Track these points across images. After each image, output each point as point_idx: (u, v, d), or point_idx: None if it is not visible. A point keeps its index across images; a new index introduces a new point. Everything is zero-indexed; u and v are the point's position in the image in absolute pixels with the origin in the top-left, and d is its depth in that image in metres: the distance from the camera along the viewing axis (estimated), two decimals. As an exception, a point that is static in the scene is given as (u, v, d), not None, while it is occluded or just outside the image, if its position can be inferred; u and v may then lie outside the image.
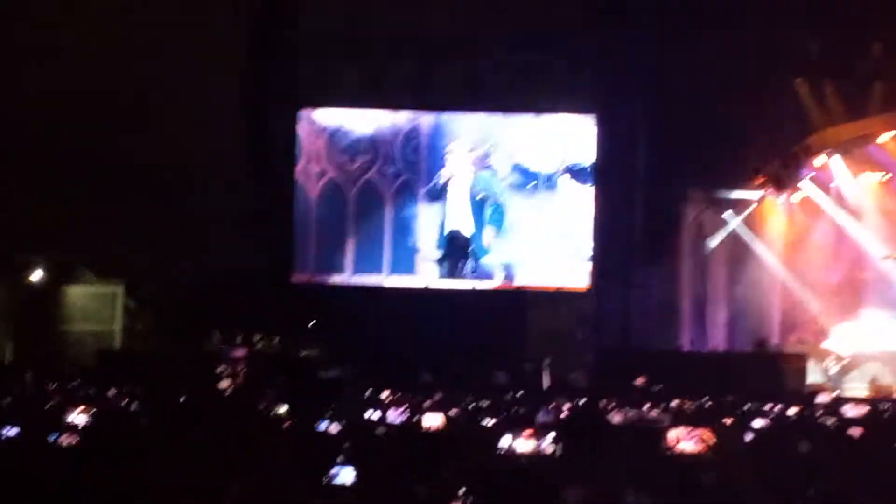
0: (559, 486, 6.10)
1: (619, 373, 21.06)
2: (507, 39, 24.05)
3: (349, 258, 25.85)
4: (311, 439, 9.11)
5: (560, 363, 22.86)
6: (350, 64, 24.81)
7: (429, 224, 25.95)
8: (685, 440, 7.20)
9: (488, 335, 23.16)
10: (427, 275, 25.83)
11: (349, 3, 24.24)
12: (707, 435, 7.26)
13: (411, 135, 26.12)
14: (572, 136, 25.62)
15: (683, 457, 6.98)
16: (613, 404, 13.86)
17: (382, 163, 26.10)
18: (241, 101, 24.39)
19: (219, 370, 20.72)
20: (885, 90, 23.18)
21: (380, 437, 9.72)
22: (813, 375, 24.21)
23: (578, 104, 24.88)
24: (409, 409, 12.94)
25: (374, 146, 26.10)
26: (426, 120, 26.04)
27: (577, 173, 25.46)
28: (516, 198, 25.82)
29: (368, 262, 25.83)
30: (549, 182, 25.64)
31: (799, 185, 25.56)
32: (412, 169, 26.09)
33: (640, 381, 19.83)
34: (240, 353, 21.94)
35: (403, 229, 25.97)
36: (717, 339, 26.01)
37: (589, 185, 25.34)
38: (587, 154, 25.39)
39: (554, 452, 8.24)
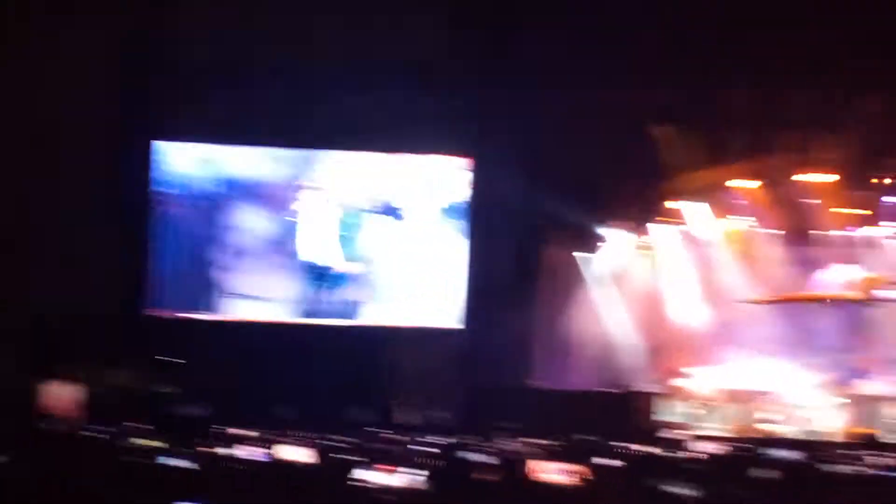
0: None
1: (485, 410, 21.09)
2: (386, 78, 23.83)
3: (205, 292, 25.23)
4: (161, 474, 8.80)
5: (427, 400, 22.76)
6: (217, 97, 24.23)
7: (291, 262, 25.45)
8: (555, 473, 7.14)
9: (354, 372, 22.93)
10: (291, 311, 25.37)
11: (224, 34, 23.67)
12: (576, 468, 7.23)
13: (276, 171, 25.63)
14: (447, 177, 25.58)
15: (551, 487, 6.93)
16: (479, 441, 13.81)
17: (244, 198, 25.54)
18: (96, 132, 23.60)
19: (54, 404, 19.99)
20: (742, 137, 23.81)
21: (235, 473, 9.46)
22: (672, 415, 24.64)
23: (453, 145, 24.91)
24: (266, 445, 12.67)
25: (235, 181, 25.53)
26: (294, 156, 25.61)
27: (450, 213, 25.43)
28: (385, 236, 25.57)
29: (225, 296, 25.24)
30: (422, 222, 25.50)
31: (657, 228, 26.14)
32: (276, 205, 25.56)
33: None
34: (80, 388, 21.15)
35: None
36: (575, 379, 26.24)
37: (462, 225, 25.28)
38: (461, 195, 25.34)
39: (418, 489, 8.10)
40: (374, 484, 8.41)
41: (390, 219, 25.49)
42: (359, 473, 8.77)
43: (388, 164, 25.74)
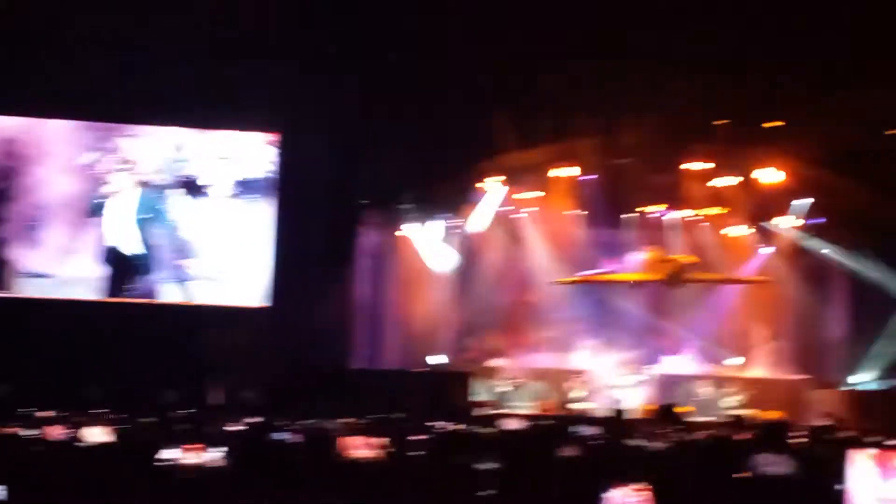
0: (230, 500, 5.89)
1: (295, 390, 20.90)
2: (196, 52, 23.11)
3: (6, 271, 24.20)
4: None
5: (235, 380, 22.38)
6: (21, 68, 23.13)
7: (92, 241, 24.53)
8: (360, 448, 7.15)
9: (161, 352, 22.24)
10: (95, 290, 24.51)
11: (25, 4, 22.51)
12: (382, 443, 7.26)
13: (80, 145, 24.68)
14: (254, 152, 25.03)
15: (359, 463, 6.94)
16: (288, 420, 13.69)
17: (48, 175, 24.52)
18: None
19: None
20: (554, 121, 24.24)
21: (36, 455, 9.14)
22: (483, 394, 25.03)
23: (262, 121, 24.43)
24: (71, 426, 12.28)
25: (43, 157, 24.49)
26: (97, 130, 24.68)
27: (257, 190, 24.88)
28: (190, 213, 24.75)
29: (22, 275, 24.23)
30: (228, 198, 24.91)
31: (470, 209, 26.44)
32: (79, 181, 24.56)
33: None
34: None
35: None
36: (391, 358, 26.34)
37: (270, 202, 24.79)
38: (270, 171, 24.85)
39: (223, 467, 7.99)
40: (179, 463, 8.26)
41: (195, 196, 24.70)
42: (164, 453, 8.58)
43: (193, 140, 24.98)
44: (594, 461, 9.92)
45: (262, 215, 24.71)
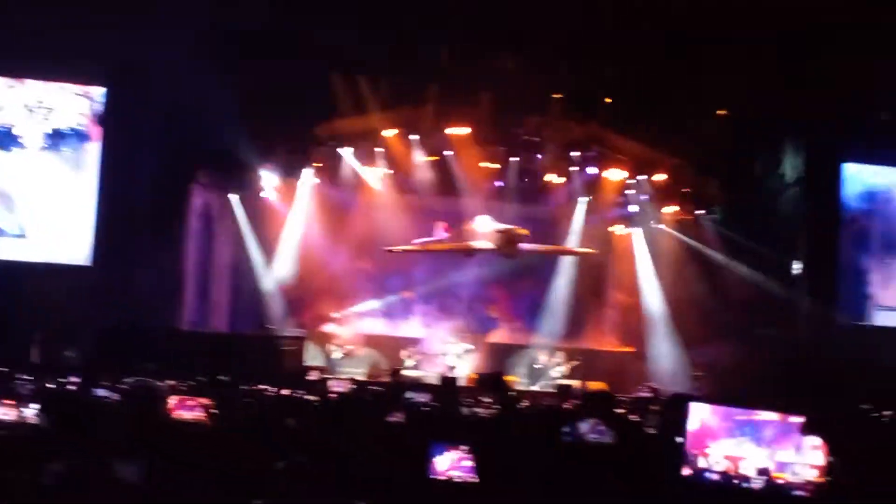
0: (42, 460, 5.63)
1: (118, 349, 20.32)
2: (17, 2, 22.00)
3: None
4: None
5: (56, 338, 21.58)
6: None
7: None
8: (184, 409, 6.96)
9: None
10: None
11: None
12: (206, 404, 7.09)
13: None
14: (73, 103, 23.92)
15: (183, 424, 6.76)
16: (109, 379, 13.28)
17: None
18: None
19: None
20: (389, 87, 24.15)
21: None
22: (314, 359, 24.88)
23: (89, 72, 23.48)
24: None
25: None
26: None
27: (76, 143, 23.81)
28: (6, 166, 23.56)
29: None
30: (46, 151, 23.75)
31: (305, 172, 26.12)
32: None
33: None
34: None
35: None
36: (220, 321, 25.90)
37: (93, 157, 23.78)
38: (84, 124, 23.78)
39: (36, 424, 7.67)
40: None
41: (8, 147, 23.50)
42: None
43: (11, 90, 23.71)
44: (421, 427, 9.93)
45: (87, 171, 23.71)
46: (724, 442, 2.22)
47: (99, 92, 23.70)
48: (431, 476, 6.79)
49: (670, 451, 2.16)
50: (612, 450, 7.31)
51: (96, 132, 23.67)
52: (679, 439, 2.10)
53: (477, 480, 6.47)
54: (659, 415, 10.75)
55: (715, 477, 2.17)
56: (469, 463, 6.73)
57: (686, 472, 2.22)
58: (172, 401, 7.04)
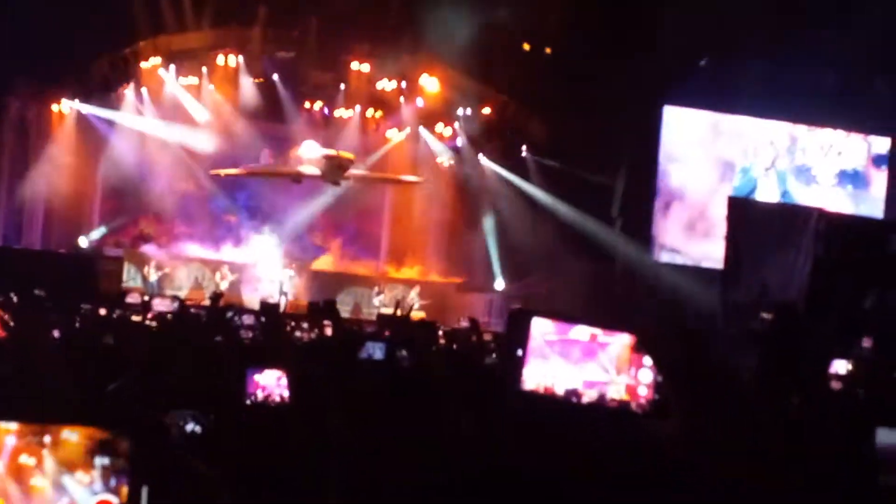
0: None
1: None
2: None
3: None
4: None
5: None
6: None
7: None
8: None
9: None
10: None
11: None
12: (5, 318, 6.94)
13: None
14: None
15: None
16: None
17: None
18: None
19: None
20: (219, 5, 23.71)
21: None
22: (133, 280, 24.41)
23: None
24: None
25: None
26: None
27: None
28: None
29: None
30: None
31: (128, 88, 25.41)
32: None
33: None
34: None
35: None
36: (33, 237, 25.13)
37: None
38: None
39: None
40: None
41: None
42: None
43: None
44: (242, 348, 9.99)
45: None
46: (535, 362, 2.35)
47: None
48: (247, 399, 6.89)
49: (510, 365, 2.26)
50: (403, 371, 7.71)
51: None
52: (519, 352, 2.20)
53: (289, 402, 6.60)
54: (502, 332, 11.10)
55: (554, 393, 2.30)
56: (280, 382, 6.87)
57: (525, 386, 2.35)
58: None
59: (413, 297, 25.82)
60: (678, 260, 24.91)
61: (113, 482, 2.35)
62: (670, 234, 25.20)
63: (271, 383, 7.05)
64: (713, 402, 2.57)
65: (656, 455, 2.53)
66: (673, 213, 25.22)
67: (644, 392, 2.58)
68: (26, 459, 2.34)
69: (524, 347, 2.59)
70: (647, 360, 2.60)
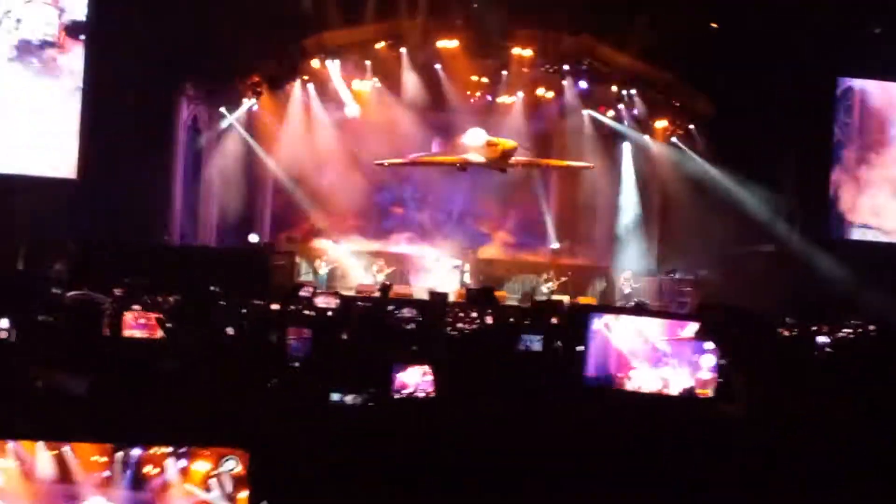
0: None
1: (105, 263, 20.21)
2: None
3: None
4: None
5: (42, 252, 21.44)
6: None
7: None
8: (136, 326, 6.90)
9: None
10: None
11: None
12: (159, 318, 7.02)
13: None
14: (50, 14, 22.96)
15: (136, 340, 6.72)
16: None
17: None
18: None
19: None
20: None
21: None
22: (307, 275, 24.87)
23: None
24: None
25: None
26: None
27: (46, 52, 23.06)
28: None
29: None
30: (18, 61, 22.98)
31: (295, 85, 25.84)
32: None
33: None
34: None
35: None
36: (208, 235, 25.82)
37: (77, 66, 23.08)
38: (66, 35, 23.09)
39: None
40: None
41: None
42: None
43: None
44: (416, 340, 10.02)
45: (59, 81, 23.05)
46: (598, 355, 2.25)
47: (73, 1, 23.08)
48: (394, 394, 6.86)
49: (572, 358, 2.18)
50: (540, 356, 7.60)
51: (69, 43, 23.08)
52: (580, 348, 2.12)
53: (434, 394, 6.51)
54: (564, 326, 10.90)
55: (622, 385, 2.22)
56: (429, 379, 6.80)
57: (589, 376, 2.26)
58: (126, 316, 6.94)
59: (556, 282, 25.52)
60: (869, 236, 24.12)
61: (232, 492, 2.33)
62: (859, 211, 24.40)
63: (415, 380, 7.00)
64: (777, 386, 2.41)
65: (722, 437, 2.38)
66: (859, 186, 24.43)
67: (707, 377, 2.44)
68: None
69: (586, 343, 2.47)
70: (710, 346, 2.46)
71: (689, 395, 2.22)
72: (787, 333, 13.92)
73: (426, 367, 6.83)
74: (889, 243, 24.63)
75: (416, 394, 6.66)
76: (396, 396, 6.86)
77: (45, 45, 22.87)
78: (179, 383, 5.41)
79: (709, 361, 2.22)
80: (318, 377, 6.87)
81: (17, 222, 21.81)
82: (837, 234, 24.72)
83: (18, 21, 22.73)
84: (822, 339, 12.02)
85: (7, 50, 22.53)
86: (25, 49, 22.72)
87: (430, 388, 6.73)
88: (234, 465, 2.33)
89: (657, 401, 2.25)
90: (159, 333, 6.89)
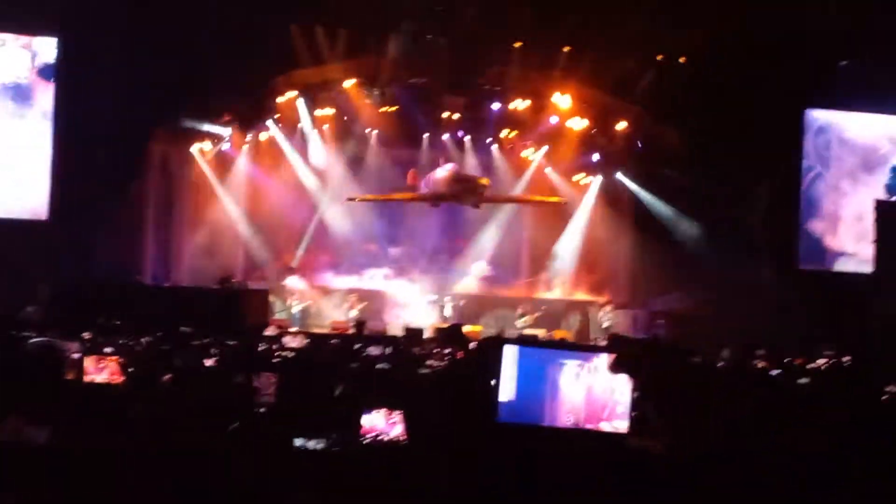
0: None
1: (77, 305, 20.11)
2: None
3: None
4: None
5: (13, 295, 21.32)
6: None
7: None
8: (96, 371, 6.88)
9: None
10: None
11: None
12: (120, 362, 7.00)
13: None
14: (23, 57, 23.24)
15: (95, 386, 6.69)
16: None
17: None
18: None
19: None
20: (350, 38, 24.02)
21: None
22: (281, 313, 24.79)
23: (41, 24, 23.03)
24: None
25: None
26: None
27: (27, 97, 23.18)
28: None
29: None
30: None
31: (265, 124, 25.92)
32: None
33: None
34: None
35: None
36: (181, 275, 25.75)
37: (45, 110, 23.10)
38: (26, 77, 23.17)
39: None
40: None
41: None
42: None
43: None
44: (386, 381, 9.96)
45: (30, 123, 23.07)
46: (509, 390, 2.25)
47: (47, 43, 23.19)
48: (362, 437, 6.81)
49: (484, 393, 2.18)
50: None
51: (41, 86, 23.17)
52: (493, 381, 2.11)
53: (403, 442, 6.47)
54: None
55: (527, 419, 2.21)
56: (395, 423, 6.76)
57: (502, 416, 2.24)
58: (87, 362, 6.92)
59: (531, 316, 25.52)
60: (850, 266, 24.36)
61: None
62: (839, 238, 24.63)
63: (381, 424, 6.92)
64: (697, 417, 2.43)
65: (644, 475, 2.38)
66: (838, 217, 24.70)
67: (622, 410, 2.47)
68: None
69: (497, 376, 2.48)
70: (624, 379, 2.48)
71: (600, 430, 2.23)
72: (760, 365, 14.03)
73: (393, 412, 6.76)
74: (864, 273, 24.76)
75: (381, 438, 6.60)
76: (364, 441, 6.78)
77: (18, 87, 22.91)
78: (142, 431, 5.40)
79: (623, 395, 2.23)
80: (284, 422, 6.82)
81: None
82: (814, 264, 24.90)
83: (21, 66, 22.77)
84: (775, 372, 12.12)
85: (12, 95, 22.58)
86: (13, 92, 22.76)
87: (398, 434, 6.68)
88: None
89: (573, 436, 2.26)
90: (121, 378, 6.87)
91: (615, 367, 2.36)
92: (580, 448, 2.34)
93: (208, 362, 10.09)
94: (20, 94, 23.02)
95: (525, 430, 2.35)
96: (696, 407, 2.18)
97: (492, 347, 2.37)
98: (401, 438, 6.79)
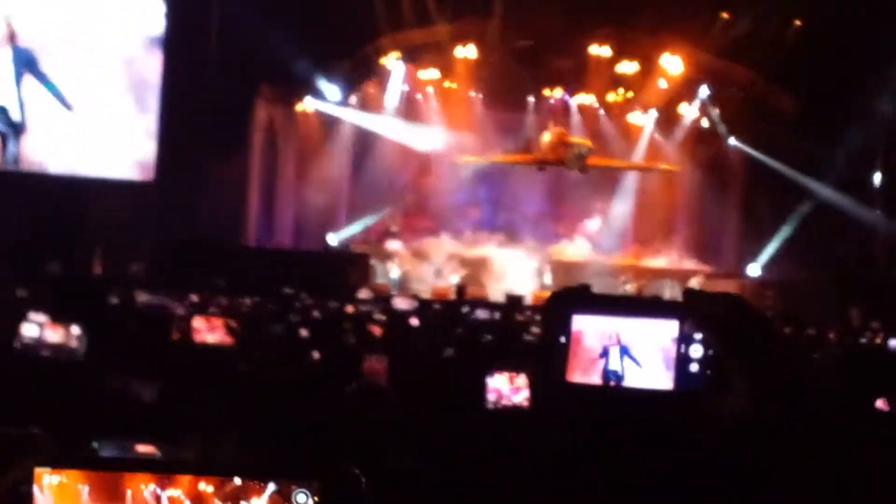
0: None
1: (183, 265, 20.29)
2: None
3: None
4: None
5: (119, 254, 21.53)
6: None
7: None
8: (207, 331, 6.73)
9: (40, 224, 20.97)
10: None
11: None
12: (232, 324, 6.83)
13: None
14: (139, 11, 23.11)
15: (206, 346, 6.56)
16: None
17: None
18: None
19: None
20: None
21: None
22: (382, 277, 24.71)
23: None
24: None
25: None
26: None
27: (141, 53, 23.07)
28: (70, 76, 22.31)
29: None
30: (110, 61, 22.95)
31: (367, 85, 25.77)
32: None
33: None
34: None
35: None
36: (284, 237, 25.82)
37: (156, 66, 23.05)
38: (155, 31, 23.14)
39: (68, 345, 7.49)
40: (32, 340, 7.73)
41: (74, 58, 22.25)
42: (27, 328, 8.00)
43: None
44: (481, 348, 9.70)
45: (147, 80, 23.06)
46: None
47: (158, 7, 23.18)
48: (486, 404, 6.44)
49: (553, 353, 1.94)
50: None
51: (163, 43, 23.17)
52: (562, 339, 1.87)
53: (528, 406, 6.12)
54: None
55: (597, 381, 1.98)
56: (518, 387, 6.40)
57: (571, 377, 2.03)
58: (196, 322, 6.79)
59: (635, 284, 25.03)
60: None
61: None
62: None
63: (503, 387, 6.58)
64: (778, 373, 2.09)
65: (719, 438, 2.07)
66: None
67: (695, 368, 2.14)
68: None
69: (567, 335, 2.18)
70: (697, 336, 2.16)
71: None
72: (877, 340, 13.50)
73: (517, 376, 6.43)
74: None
75: (503, 404, 6.29)
76: (491, 409, 6.46)
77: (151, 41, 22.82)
78: (248, 395, 5.20)
79: (696, 351, 1.96)
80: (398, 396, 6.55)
81: (93, 225, 21.93)
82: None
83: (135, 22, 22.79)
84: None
85: (125, 52, 22.63)
86: (130, 45, 22.74)
87: (522, 399, 6.34)
88: (305, 500, 2.07)
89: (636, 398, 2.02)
90: (230, 339, 6.72)
91: (688, 328, 2.07)
92: (658, 410, 2.09)
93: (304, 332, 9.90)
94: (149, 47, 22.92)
95: (590, 392, 2.11)
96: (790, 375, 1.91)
97: (558, 304, 2.08)
98: (525, 404, 6.45)
